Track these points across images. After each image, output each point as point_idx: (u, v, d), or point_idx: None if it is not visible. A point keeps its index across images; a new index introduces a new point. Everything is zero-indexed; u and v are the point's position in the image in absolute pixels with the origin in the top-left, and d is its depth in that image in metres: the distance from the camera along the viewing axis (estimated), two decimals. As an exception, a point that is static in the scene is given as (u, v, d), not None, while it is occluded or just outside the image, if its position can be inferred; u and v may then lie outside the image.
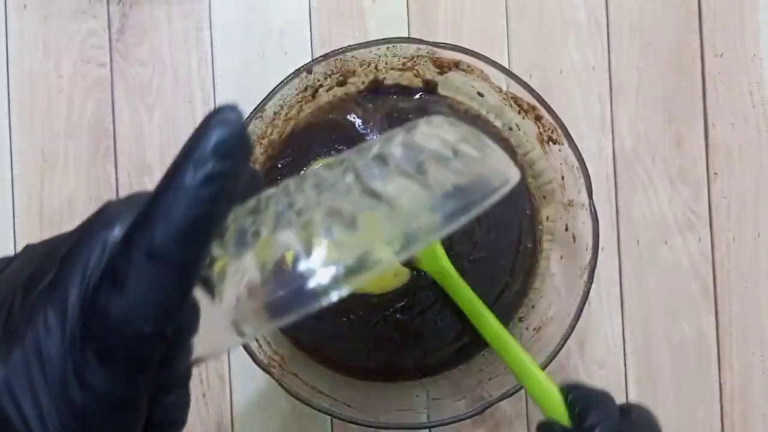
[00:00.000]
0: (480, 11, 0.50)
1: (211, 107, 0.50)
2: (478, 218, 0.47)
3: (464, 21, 0.51)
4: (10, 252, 0.30)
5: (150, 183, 0.50)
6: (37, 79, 0.50)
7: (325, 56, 0.43)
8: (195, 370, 0.49)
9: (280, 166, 0.46)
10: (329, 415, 0.43)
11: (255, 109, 0.43)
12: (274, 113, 0.45)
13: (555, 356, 0.43)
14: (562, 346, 0.43)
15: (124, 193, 0.50)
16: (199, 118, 0.50)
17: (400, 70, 0.46)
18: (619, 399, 0.49)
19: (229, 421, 0.49)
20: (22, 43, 0.50)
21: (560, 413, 0.34)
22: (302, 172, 0.24)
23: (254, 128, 0.43)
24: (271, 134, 0.46)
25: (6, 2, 0.51)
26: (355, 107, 0.47)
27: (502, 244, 0.47)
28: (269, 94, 0.43)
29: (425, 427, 0.44)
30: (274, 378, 0.42)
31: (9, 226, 0.50)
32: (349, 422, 0.43)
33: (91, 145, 0.50)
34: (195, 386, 0.49)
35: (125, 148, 0.50)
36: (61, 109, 0.50)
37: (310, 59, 0.44)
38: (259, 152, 0.46)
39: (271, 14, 0.50)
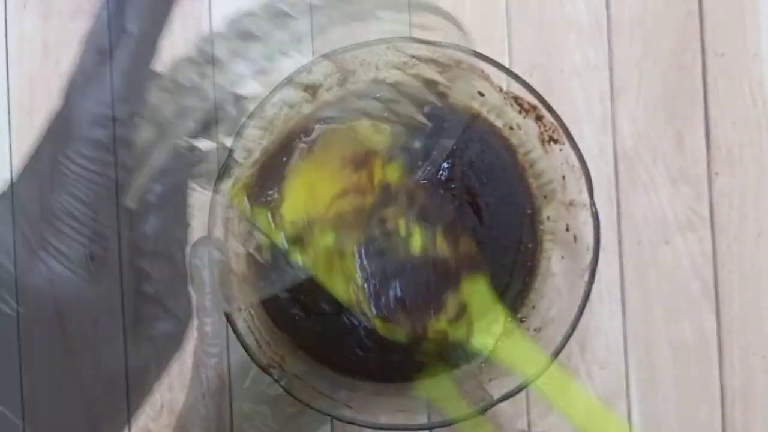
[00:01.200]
0: (480, 10, 0.50)
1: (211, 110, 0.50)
2: (480, 217, 0.47)
3: (464, 20, 0.50)
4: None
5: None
6: (36, 78, 0.50)
7: (325, 56, 0.43)
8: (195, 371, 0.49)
9: (279, 166, 0.46)
10: (329, 416, 0.43)
11: (255, 109, 0.43)
12: (274, 114, 0.45)
13: (556, 357, 0.43)
14: (563, 346, 0.43)
15: (123, 195, 0.49)
16: (198, 118, 0.50)
17: (401, 69, 0.46)
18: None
19: (228, 422, 0.49)
20: (22, 42, 0.50)
21: None
22: None
23: (254, 129, 0.43)
24: (271, 133, 0.46)
25: (6, 1, 0.50)
26: (355, 107, 0.47)
27: (503, 244, 0.47)
28: (269, 94, 0.43)
29: (426, 428, 0.44)
30: (273, 379, 0.42)
31: (8, 226, 0.49)
32: (350, 423, 0.43)
33: (91, 144, 0.50)
34: (194, 386, 0.49)
35: (125, 147, 0.50)
36: (61, 108, 0.50)
37: (311, 59, 0.44)
38: (258, 153, 0.45)
39: (271, 14, 0.50)
